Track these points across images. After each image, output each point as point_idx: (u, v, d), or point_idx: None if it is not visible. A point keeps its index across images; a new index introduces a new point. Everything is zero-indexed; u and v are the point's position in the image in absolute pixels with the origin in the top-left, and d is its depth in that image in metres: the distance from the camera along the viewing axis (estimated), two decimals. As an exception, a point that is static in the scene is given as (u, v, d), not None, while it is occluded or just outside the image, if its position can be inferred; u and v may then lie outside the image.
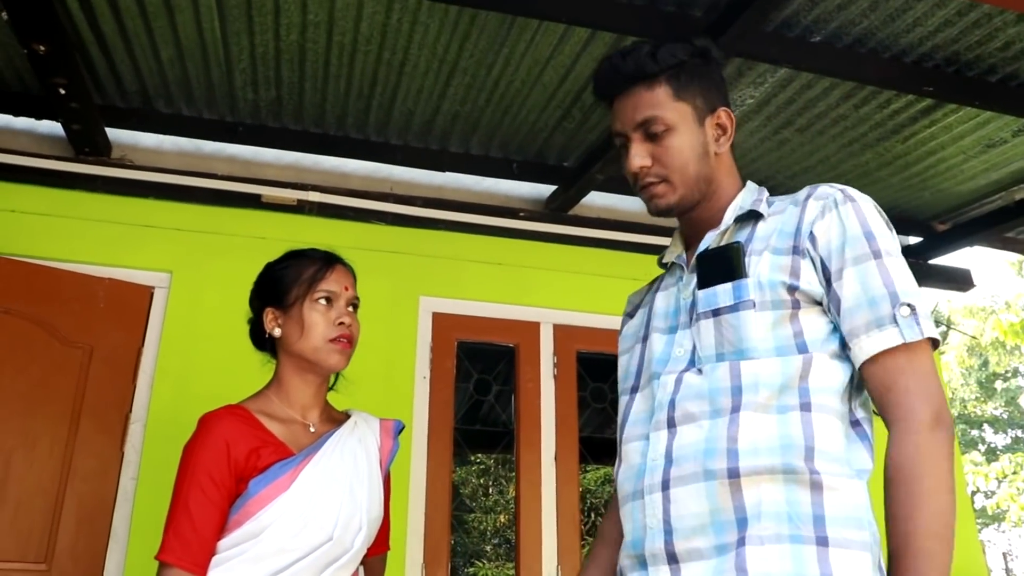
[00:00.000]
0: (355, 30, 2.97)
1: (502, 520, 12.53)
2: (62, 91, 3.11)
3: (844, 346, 1.29)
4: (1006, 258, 16.61)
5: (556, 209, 4.07)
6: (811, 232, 1.31)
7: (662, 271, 1.60)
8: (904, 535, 1.16)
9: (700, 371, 1.32)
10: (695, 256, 1.42)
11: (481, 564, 10.86)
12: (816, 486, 1.21)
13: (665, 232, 4.20)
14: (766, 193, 1.47)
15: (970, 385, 19.60)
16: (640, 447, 1.36)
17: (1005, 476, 14.63)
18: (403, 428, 1.94)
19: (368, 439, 1.83)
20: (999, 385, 19.84)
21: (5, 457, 3.13)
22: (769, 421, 1.24)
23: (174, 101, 3.55)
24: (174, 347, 3.50)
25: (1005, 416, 20.09)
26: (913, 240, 4.62)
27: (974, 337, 16.33)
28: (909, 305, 1.24)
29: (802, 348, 1.27)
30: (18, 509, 3.10)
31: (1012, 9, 2.44)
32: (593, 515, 9.71)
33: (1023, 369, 19.74)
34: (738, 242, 1.37)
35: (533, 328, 3.97)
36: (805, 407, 1.24)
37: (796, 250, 1.32)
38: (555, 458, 3.75)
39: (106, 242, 3.59)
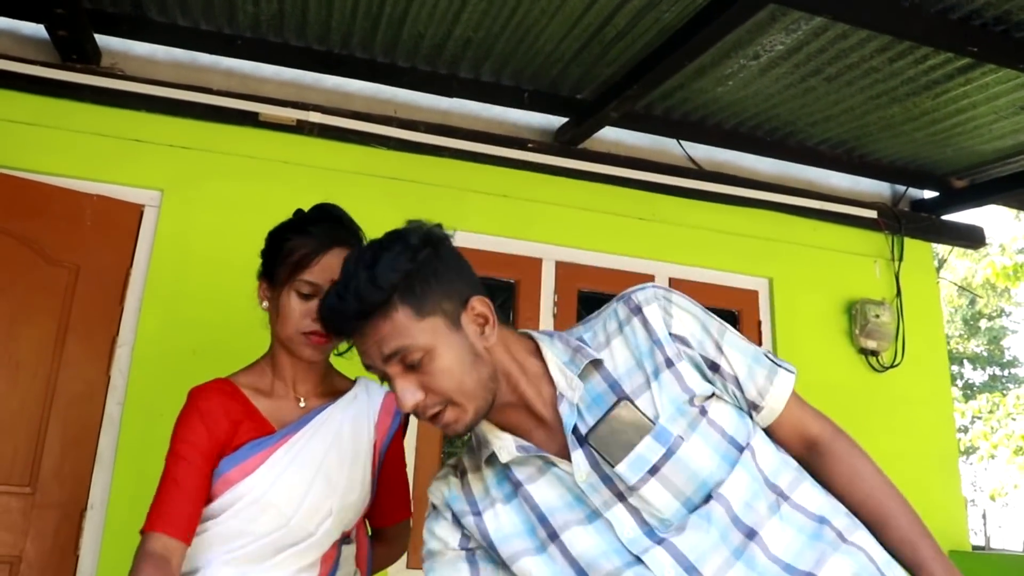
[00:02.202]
0: (367, -53, 2.76)
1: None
2: (48, -5, 2.90)
3: (750, 414, 1.27)
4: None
5: (566, 142, 3.91)
6: (672, 335, 1.24)
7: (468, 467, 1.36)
8: (909, 525, 1.22)
9: (681, 529, 1.17)
10: (577, 437, 1.22)
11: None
12: (847, 542, 1.19)
13: (678, 171, 4.07)
14: (565, 335, 1.32)
15: (955, 323, 19.76)
16: None
17: (980, 414, 14.88)
18: None
19: (361, 418, 1.71)
20: (983, 324, 20.02)
21: (-13, 378, 3.04)
22: (777, 523, 1.19)
23: (168, 9, 3.33)
24: (164, 269, 3.38)
25: (985, 354, 20.34)
26: (928, 195, 4.51)
27: (964, 282, 16.35)
28: (772, 358, 1.30)
29: (737, 446, 1.22)
30: (1, 432, 3.03)
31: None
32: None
33: (1009, 310, 19.90)
34: (622, 398, 1.22)
35: (535, 264, 3.86)
36: (781, 495, 1.22)
37: (669, 363, 1.23)
38: (550, 400, 3.70)
39: (94, 156, 3.42)
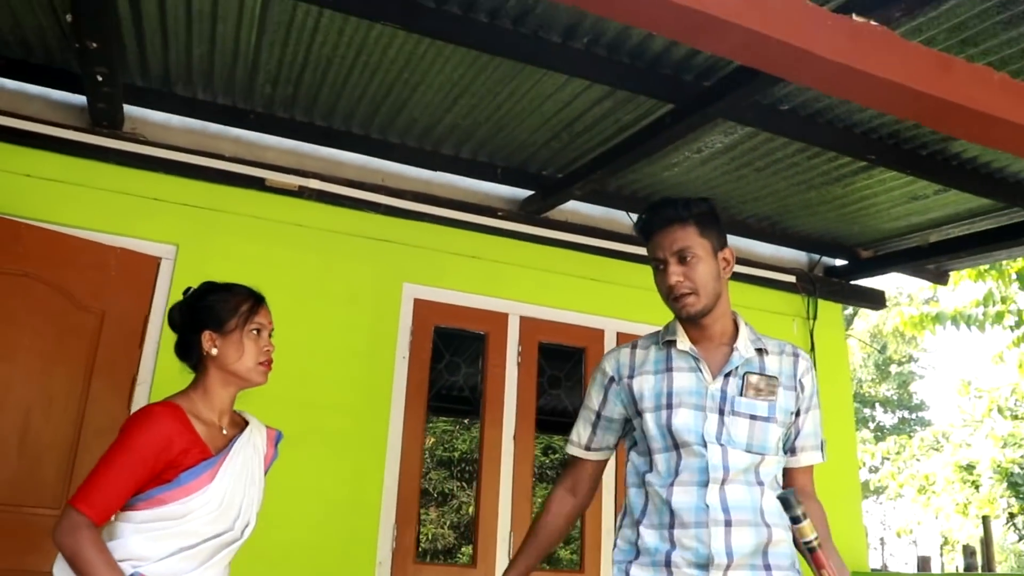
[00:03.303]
0: (382, 54, 3.29)
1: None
2: (100, 78, 3.35)
3: (788, 447, 2.05)
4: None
5: (531, 212, 4.47)
6: (802, 381, 2.06)
7: (645, 342, 2.16)
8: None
9: (736, 449, 1.94)
10: (739, 368, 2.01)
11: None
12: (774, 528, 1.96)
13: (627, 239, 4.66)
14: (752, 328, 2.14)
15: (868, 367, 20.96)
16: (699, 492, 1.94)
17: (889, 455, 15.89)
18: (282, 438, 2.34)
19: (259, 446, 2.23)
20: (894, 369, 21.27)
21: (24, 412, 3.42)
22: (772, 495, 1.97)
23: (193, 85, 3.79)
24: (179, 316, 3.79)
25: (896, 398, 21.58)
26: (839, 263, 5.22)
27: (868, 343, 17.39)
28: (823, 442, 2.09)
29: (777, 451, 2.01)
30: (36, 460, 3.41)
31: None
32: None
33: (917, 356, 21.20)
34: (774, 376, 2.02)
35: (502, 318, 4.40)
36: (765, 483, 1.98)
37: (797, 388, 2.05)
38: (514, 437, 4.22)
39: (117, 211, 3.84)
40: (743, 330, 2.06)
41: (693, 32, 2.08)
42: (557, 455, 10.86)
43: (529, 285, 4.47)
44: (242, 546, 2.16)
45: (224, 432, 2.14)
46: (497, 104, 3.62)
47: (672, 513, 1.93)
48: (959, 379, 14.67)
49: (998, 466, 12.87)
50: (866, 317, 18.67)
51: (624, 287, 4.65)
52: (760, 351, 2.05)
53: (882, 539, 20.68)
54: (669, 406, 1.99)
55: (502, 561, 4.01)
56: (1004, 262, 6.88)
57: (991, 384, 12.22)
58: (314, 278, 4.08)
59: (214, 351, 2.12)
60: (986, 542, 6.95)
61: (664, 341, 2.08)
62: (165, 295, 3.84)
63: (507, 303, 4.45)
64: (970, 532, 12.97)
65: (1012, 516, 13.17)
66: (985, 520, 7.48)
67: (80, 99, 3.83)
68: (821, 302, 5.13)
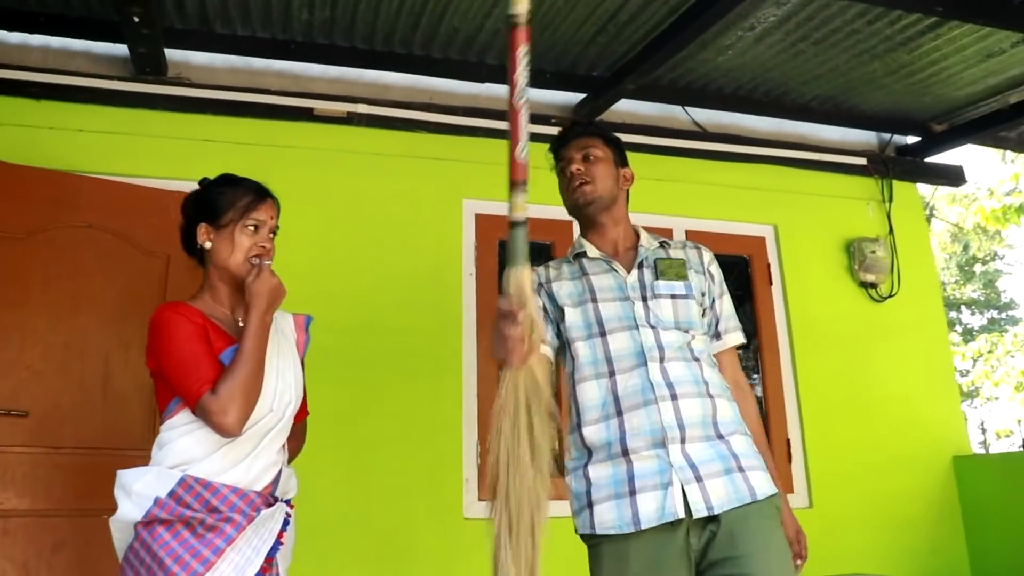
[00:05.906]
0: (416, -43, 3.19)
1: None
2: (136, 19, 3.33)
3: (712, 333, 2.22)
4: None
5: (585, 115, 4.35)
6: (710, 270, 2.25)
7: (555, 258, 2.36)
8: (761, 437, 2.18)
9: (666, 329, 2.08)
10: (648, 258, 2.19)
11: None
12: (718, 399, 2.08)
13: (686, 135, 4.52)
14: None
15: (950, 269, 20.25)
16: (641, 372, 2.03)
17: (980, 355, 15.39)
18: (311, 320, 2.28)
19: (286, 331, 2.19)
20: (978, 269, 20.52)
21: (104, 359, 3.48)
22: (708, 366, 2.12)
23: (231, 22, 3.76)
24: (243, 253, 3.81)
25: (982, 298, 20.85)
26: (911, 140, 4.97)
27: (957, 225, 16.79)
28: (738, 323, 2.25)
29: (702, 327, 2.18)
30: (120, 404, 3.46)
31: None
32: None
33: (1002, 253, 20.39)
34: (682, 259, 2.22)
35: (567, 226, 4.29)
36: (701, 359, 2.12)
37: (706, 275, 2.23)
38: (589, 345, 4.17)
39: (170, 157, 3.85)
40: (643, 233, 2.27)
41: None
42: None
43: (589, 192, 4.36)
44: (297, 501, 2.10)
45: (241, 324, 2.06)
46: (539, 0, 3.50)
47: (617, 400, 2.02)
48: (1050, 269, 14.07)
49: (1098, 354, 12.35)
50: (944, 217, 17.99)
51: (688, 184, 4.52)
52: (663, 244, 2.25)
53: (982, 442, 20.21)
54: (594, 300, 2.13)
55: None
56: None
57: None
58: (372, 203, 4.05)
59: (208, 244, 2.07)
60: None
61: (574, 255, 2.25)
62: (227, 234, 3.86)
63: (568, 211, 4.35)
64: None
65: (1115, 403, 12.67)
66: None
67: (123, 50, 3.84)
68: (896, 183, 4.90)
